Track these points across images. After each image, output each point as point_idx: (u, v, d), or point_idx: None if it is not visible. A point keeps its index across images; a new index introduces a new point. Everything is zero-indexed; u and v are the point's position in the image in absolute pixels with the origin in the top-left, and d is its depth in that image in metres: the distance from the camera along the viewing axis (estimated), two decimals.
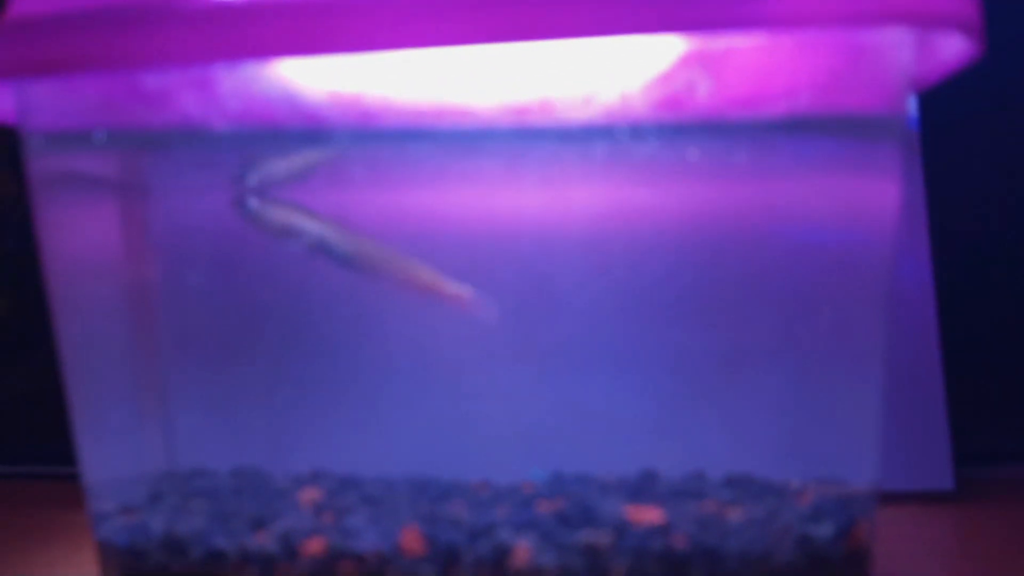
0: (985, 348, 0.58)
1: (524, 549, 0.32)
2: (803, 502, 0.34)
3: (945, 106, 0.53)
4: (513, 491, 0.36)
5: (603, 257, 0.37)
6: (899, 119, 0.33)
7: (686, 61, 0.31)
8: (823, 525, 0.32)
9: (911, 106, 0.33)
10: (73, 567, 0.40)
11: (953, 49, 0.32)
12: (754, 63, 0.32)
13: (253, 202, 0.33)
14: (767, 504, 0.34)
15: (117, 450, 0.36)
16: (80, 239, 0.37)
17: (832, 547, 0.32)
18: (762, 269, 0.37)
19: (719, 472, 0.37)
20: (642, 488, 0.36)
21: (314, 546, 0.32)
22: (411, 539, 0.32)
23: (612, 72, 0.31)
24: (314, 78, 0.31)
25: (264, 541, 0.33)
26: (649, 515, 0.32)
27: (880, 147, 0.33)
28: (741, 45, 0.31)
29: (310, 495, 0.36)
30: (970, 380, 0.57)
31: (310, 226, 0.34)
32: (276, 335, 0.38)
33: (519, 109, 0.32)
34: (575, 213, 0.36)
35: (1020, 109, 0.58)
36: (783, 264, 0.36)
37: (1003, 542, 0.42)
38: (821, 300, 0.36)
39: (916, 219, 0.50)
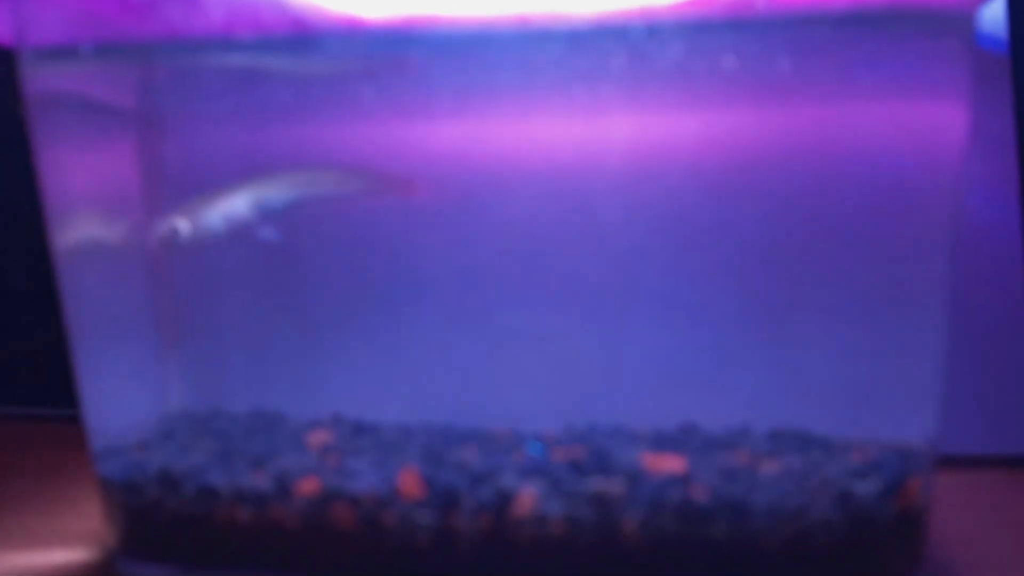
0: None
1: (528, 496, 0.29)
2: (854, 458, 0.30)
3: None
4: (534, 438, 0.33)
5: (639, 189, 0.33)
6: (968, 17, 0.28)
7: None
8: (868, 481, 0.28)
9: (989, 14, 0.28)
10: (86, 502, 0.40)
11: None
12: None
13: (182, 224, 0.32)
14: (809, 458, 0.30)
15: (120, 389, 0.35)
16: (84, 170, 0.35)
17: (877, 506, 0.28)
18: (810, 204, 0.33)
19: (768, 425, 0.33)
20: (677, 440, 0.33)
21: (308, 486, 0.31)
22: (409, 482, 0.30)
23: None
24: None
25: (259, 480, 0.31)
26: (669, 464, 0.29)
27: (944, 56, 0.29)
28: None
29: (320, 437, 0.34)
30: None
31: (242, 198, 0.33)
32: (308, 276, 0.36)
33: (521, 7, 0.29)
34: (599, 138, 0.33)
35: None
36: (834, 199, 0.32)
37: None
38: (877, 239, 0.32)
39: (1004, 156, 0.45)
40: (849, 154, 0.32)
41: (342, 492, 0.30)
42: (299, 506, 0.30)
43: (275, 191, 0.33)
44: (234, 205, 0.33)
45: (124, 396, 0.36)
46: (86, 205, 0.36)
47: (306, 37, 0.29)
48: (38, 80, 0.33)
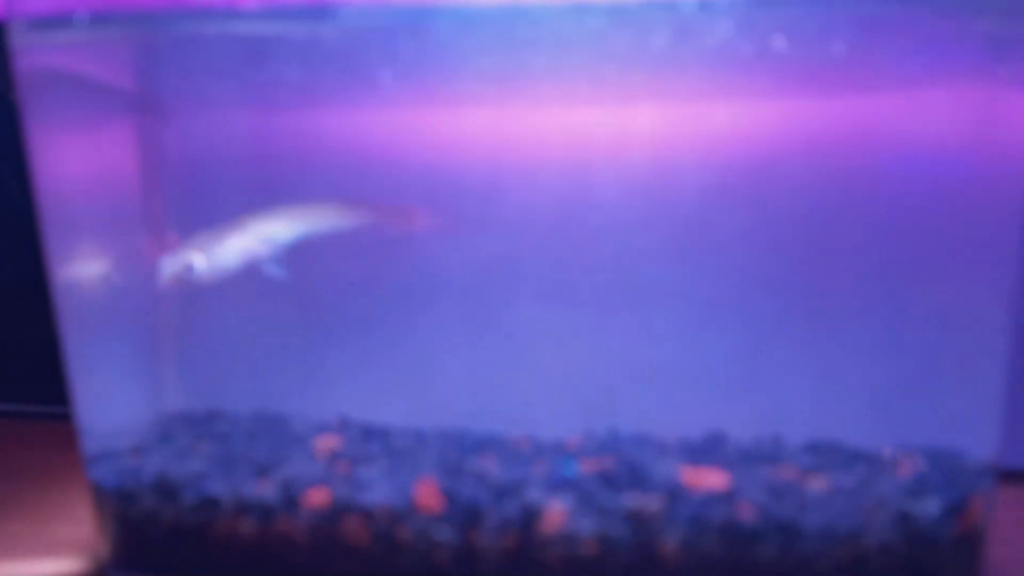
0: None
1: (557, 512, 0.27)
2: (900, 473, 0.28)
3: None
4: (556, 447, 0.31)
5: (669, 181, 0.31)
6: None
7: None
8: (928, 501, 0.26)
9: None
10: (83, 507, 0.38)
11: None
12: None
13: (198, 259, 0.30)
14: (856, 473, 0.28)
15: (114, 388, 0.33)
16: (79, 156, 0.33)
17: (939, 527, 0.26)
18: (861, 200, 0.31)
19: (800, 437, 0.31)
20: (706, 450, 0.31)
21: (317, 497, 0.28)
22: (427, 494, 0.28)
23: None
24: None
25: (264, 490, 0.29)
26: (710, 479, 0.27)
27: (1018, 41, 0.26)
28: None
29: (328, 443, 0.32)
30: None
31: (252, 233, 0.31)
32: (312, 270, 0.34)
33: None
34: (629, 127, 0.31)
35: None
36: (889, 194, 0.30)
37: None
38: (936, 239, 0.30)
39: None
40: (905, 146, 0.30)
41: (354, 504, 0.28)
42: (307, 518, 0.28)
43: (282, 227, 0.32)
44: (246, 241, 0.31)
45: (118, 395, 0.33)
46: (80, 193, 0.33)
47: (319, 7, 0.27)
48: (30, 55, 0.30)
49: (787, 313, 0.32)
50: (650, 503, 0.26)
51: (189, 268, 0.30)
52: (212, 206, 0.35)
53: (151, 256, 0.34)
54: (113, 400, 0.33)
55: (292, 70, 0.32)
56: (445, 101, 0.32)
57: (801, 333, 0.32)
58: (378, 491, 0.28)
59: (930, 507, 0.26)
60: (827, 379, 0.32)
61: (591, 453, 0.30)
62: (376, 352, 0.34)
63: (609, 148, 0.31)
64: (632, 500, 0.26)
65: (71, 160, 0.33)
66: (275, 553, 0.28)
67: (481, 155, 0.32)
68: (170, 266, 0.30)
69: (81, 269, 0.33)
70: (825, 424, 0.31)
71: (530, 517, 0.27)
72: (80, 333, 0.32)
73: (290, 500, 0.28)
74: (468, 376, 0.33)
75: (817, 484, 0.27)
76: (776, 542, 0.25)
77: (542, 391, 0.33)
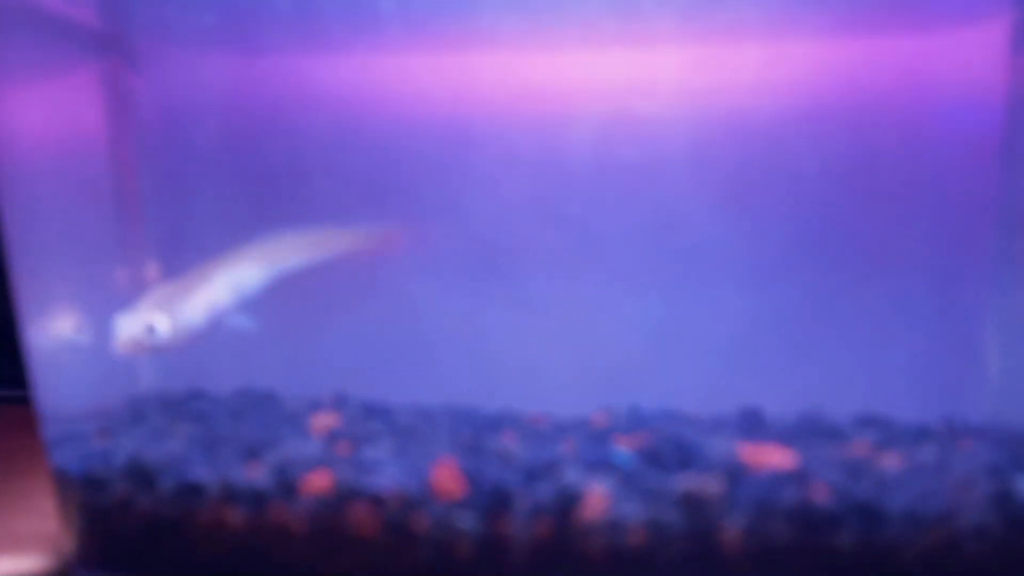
0: None
1: (599, 496, 0.23)
2: (977, 449, 0.25)
3: None
4: (580, 424, 0.28)
5: (704, 134, 0.28)
6: None
7: None
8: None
9: None
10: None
11: None
12: None
13: (160, 321, 0.26)
14: (930, 450, 0.25)
15: (79, 363, 0.29)
16: (35, 107, 0.29)
17: None
18: (916, 147, 0.28)
19: (844, 411, 0.28)
20: (748, 426, 0.27)
21: (317, 482, 0.24)
22: (446, 476, 0.24)
23: None
24: None
25: (254, 474, 0.25)
26: (774, 457, 0.24)
27: None
28: None
29: (325, 421, 0.28)
30: None
31: (219, 282, 0.28)
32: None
33: None
34: (651, 73, 0.28)
35: None
36: (946, 143, 0.27)
37: None
38: (998, 189, 0.27)
39: None
40: (957, 93, 0.27)
41: (361, 489, 0.24)
42: (307, 506, 0.24)
43: (251, 271, 0.28)
44: (215, 294, 0.27)
45: (83, 371, 0.29)
46: (39, 153, 0.29)
47: None
48: None
49: (832, 275, 0.29)
50: (707, 484, 0.23)
51: (151, 330, 0.26)
52: (191, 167, 0.31)
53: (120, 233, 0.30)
54: (76, 376, 0.29)
55: (281, 3, 0.28)
56: (457, 41, 0.29)
57: (847, 298, 0.29)
58: (388, 474, 0.24)
59: None
60: (875, 349, 0.29)
61: (623, 430, 0.26)
62: (368, 320, 0.30)
63: (637, 97, 0.28)
64: (686, 481, 0.23)
65: (26, 113, 0.29)
66: (269, 547, 0.24)
67: (497, 105, 0.29)
68: (128, 328, 0.25)
69: (39, 233, 0.29)
70: (874, 397, 0.28)
71: (567, 502, 0.23)
72: (38, 303, 0.28)
73: (286, 486, 0.24)
74: (472, 347, 0.30)
75: (892, 461, 0.24)
76: (857, 527, 0.22)
77: (554, 363, 0.29)
